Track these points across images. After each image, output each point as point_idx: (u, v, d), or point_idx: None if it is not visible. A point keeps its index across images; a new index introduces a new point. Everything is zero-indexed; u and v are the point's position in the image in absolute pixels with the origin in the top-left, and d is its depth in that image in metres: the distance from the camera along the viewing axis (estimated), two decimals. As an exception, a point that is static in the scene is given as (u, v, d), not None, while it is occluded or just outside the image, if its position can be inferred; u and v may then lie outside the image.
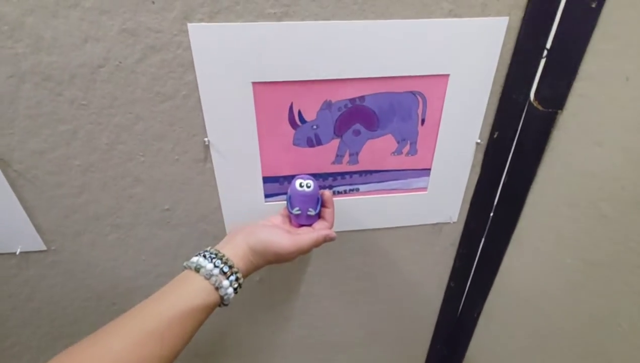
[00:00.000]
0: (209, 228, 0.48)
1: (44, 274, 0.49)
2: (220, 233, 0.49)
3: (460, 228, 0.54)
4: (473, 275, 0.58)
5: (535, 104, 0.43)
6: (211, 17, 0.35)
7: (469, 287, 0.60)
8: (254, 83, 0.38)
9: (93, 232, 0.46)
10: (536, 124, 0.44)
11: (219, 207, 0.47)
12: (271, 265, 0.41)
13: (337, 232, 0.43)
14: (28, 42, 0.34)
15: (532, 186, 0.48)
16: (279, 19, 0.36)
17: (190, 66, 0.37)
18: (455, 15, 0.38)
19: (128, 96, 0.38)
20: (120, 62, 0.36)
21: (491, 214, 0.52)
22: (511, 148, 0.47)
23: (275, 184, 0.46)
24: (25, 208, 0.43)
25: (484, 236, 0.54)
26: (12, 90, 0.36)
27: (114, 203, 0.45)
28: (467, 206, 0.51)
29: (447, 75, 0.41)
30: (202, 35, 0.35)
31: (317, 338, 0.65)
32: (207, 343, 0.62)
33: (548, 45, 0.41)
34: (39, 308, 0.52)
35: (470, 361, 0.67)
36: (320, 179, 0.46)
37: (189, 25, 0.35)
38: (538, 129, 0.44)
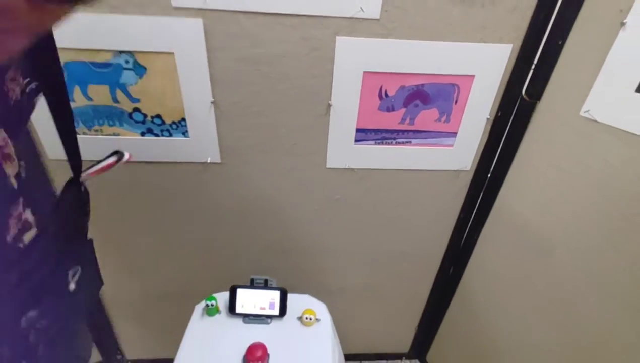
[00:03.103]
0: (316, 159, 0.78)
1: (217, 178, 0.79)
2: (322, 162, 0.78)
3: (471, 174, 0.83)
4: (477, 209, 0.88)
5: (525, 96, 0.71)
6: (349, 34, 0.64)
7: (473, 217, 0.89)
8: (364, 72, 0.67)
9: (249, 155, 0.76)
10: (524, 108, 0.72)
11: (325, 145, 0.76)
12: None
13: (389, 170, 0.73)
14: (250, 42, 0.63)
15: (519, 146, 0.76)
16: (384, 37, 0.64)
17: (331, 60, 0.66)
18: (482, 41, 0.66)
19: (294, 73, 0.67)
20: (295, 54, 0.65)
21: (492, 166, 0.81)
22: (508, 122, 0.75)
23: (362, 133, 0.75)
24: (217, 134, 0.73)
25: (487, 181, 0.83)
26: (232, 66, 0.66)
27: (265, 138, 0.75)
28: (478, 159, 0.81)
29: (474, 75, 0.70)
30: (343, 44, 0.64)
31: (356, 251, 0.95)
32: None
33: (535, 61, 0.68)
34: (207, 202, 0.83)
35: (468, 276, 0.97)
36: (389, 133, 0.75)
37: (337, 37, 0.63)
38: (525, 112, 0.73)
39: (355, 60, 0.67)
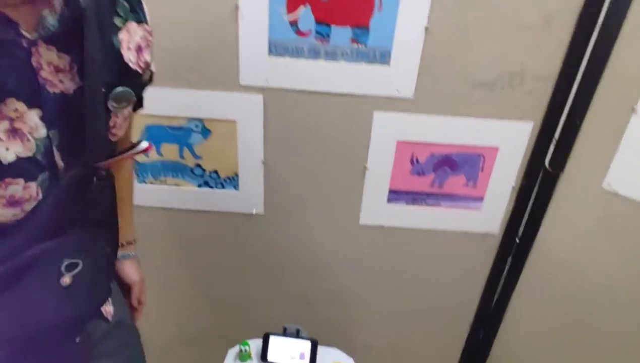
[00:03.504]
0: (351, 215, 0.84)
1: (259, 228, 0.87)
2: (356, 219, 0.85)
3: (499, 238, 0.86)
4: (507, 272, 0.89)
5: (548, 168, 0.77)
6: (385, 109, 0.74)
7: (503, 281, 0.90)
8: (397, 141, 0.76)
9: (290, 208, 0.84)
10: (549, 178, 0.77)
11: (360, 203, 0.83)
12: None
13: (419, 229, 0.78)
14: (300, 113, 0.74)
15: (546, 213, 0.80)
16: (416, 113, 0.74)
17: (369, 130, 0.76)
18: (504, 118, 0.74)
19: (335, 139, 0.77)
20: (338, 124, 0.75)
21: (520, 231, 0.84)
22: (534, 190, 0.80)
23: (394, 194, 0.82)
24: (264, 189, 0.82)
25: (515, 245, 0.85)
26: (283, 132, 0.76)
27: (305, 194, 0.83)
28: (505, 223, 0.84)
29: (498, 147, 0.77)
30: (380, 117, 0.74)
31: (385, 305, 0.97)
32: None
33: (556, 136, 0.75)
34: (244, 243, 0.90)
35: (500, 339, 0.95)
36: (420, 195, 0.82)
37: (375, 112, 0.74)
38: (549, 182, 0.78)
39: (389, 131, 0.76)
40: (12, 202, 0.40)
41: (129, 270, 0.66)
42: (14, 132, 0.40)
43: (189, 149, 0.80)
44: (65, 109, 0.43)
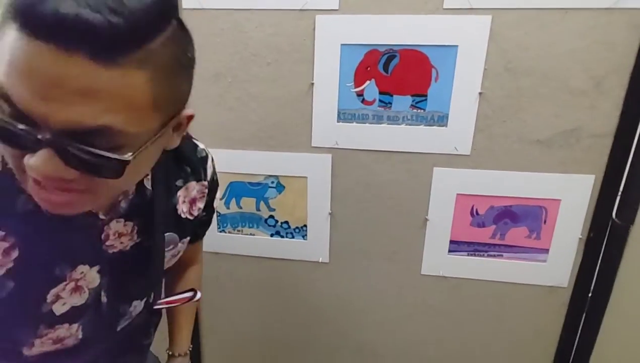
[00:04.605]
0: (412, 265, 0.88)
1: (324, 277, 0.93)
2: (417, 269, 0.88)
3: (569, 292, 0.83)
4: (581, 329, 0.84)
5: (616, 220, 0.76)
6: (444, 166, 0.80)
7: (578, 340, 0.85)
8: (457, 194, 0.81)
9: (353, 258, 0.90)
10: (618, 230, 0.76)
11: (421, 254, 0.86)
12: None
13: (481, 281, 0.79)
14: (365, 171, 0.83)
15: (619, 266, 0.77)
16: (474, 168, 0.79)
17: (429, 184, 0.81)
18: (564, 172, 0.77)
19: (398, 194, 0.84)
20: (400, 180, 0.82)
21: (592, 285, 0.81)
22: (603, 242, 0.79)
23: (455, 245, 0.84)
24: (330, 239, 0.89)
25: (588, 300, 0.82)
26: (349, 187, 0.85)
27: (368, 244, 0.88)
28: (575, 277, 0.82)
29: (560, 199, 0.78)
30: (439, 173, 0.80)
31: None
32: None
33: (621, 189, 0.75)
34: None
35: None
36: (481, 246, 0.84)
37: (434, 168, 0.80)
38: (619, 234, 0.76)
39: (449, 185, 0.81)
40: (56, 341, 0.47)
41: None
42: (76, 290, 0.46)
43: (265, 202, 0.90)
44: (120, 262, 0.49)
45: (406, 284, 0.90)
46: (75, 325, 0.48)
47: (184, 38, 0.37)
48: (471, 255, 0.85)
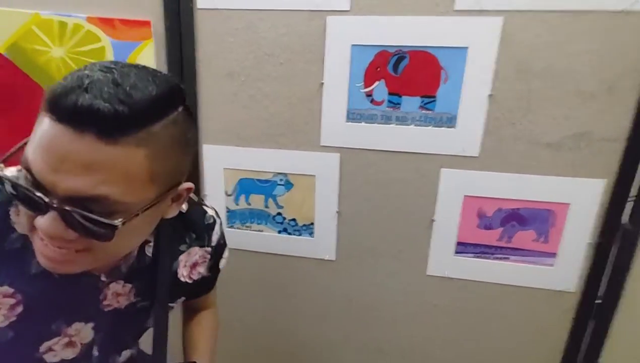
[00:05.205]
0: (418, 265, 0.88)
1: (329, 274, 0.94)
2: (423, 269, 0.88)
3: (578, 296, 0.83)
4: (591, 336, 0.83)
5: (628, 225, 0.75)
6: (451, 167, 0.80)
7: (587, 347, 0.84)
8: (464, 195, 0.81)
9: (359, 256, 0.91)
10: (629, 235, 0.75)
11: (427, 254, 0.87)
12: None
13: (488, 283, 0.79)
14: (373, 170, 0.83)
15: (629, 273, 0.76)
16: (482, 170, 0.79)
17: (436, 184, 0.82)
18: (574, 176, 0.76)
19: (405, 193, 0.84)
20: (408, 180, 0.83)
21: (600, 291, 0.80)
22: (612, 247, 0.78)
23: (462, 246, 0.85)
24: (336, 237, 0.90)
25: (596, 305, 0.81)
26: (357, 186, 0.86)
27: (375, 243, 0.89)
28: (584, 282, 0.81)
29: (569, 204, 0.78)
30: (447, 174, 0.81)
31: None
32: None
33: (633, 194, 0.74)
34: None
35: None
36: (488, 248, 0.84)
37: (442, 169, 0.80)
38: (630, 240, 0.75)
39: (456, 186, 0.82)
40: None
41: None
42: (68, 345, 0.52)
43: (273, 199, 0.92)
44: (114, 319, 0.54)
45: (412, 284, 0.91)
46: None
47: (185, 122, 0.43)
48: (478, 257, 0.85)
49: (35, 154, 0.36)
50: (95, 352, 0.54)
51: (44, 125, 0.36)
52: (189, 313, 0.72)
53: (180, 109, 0.42)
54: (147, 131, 0.37)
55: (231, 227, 0.96)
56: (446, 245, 0.86)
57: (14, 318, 0.47)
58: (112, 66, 0.38)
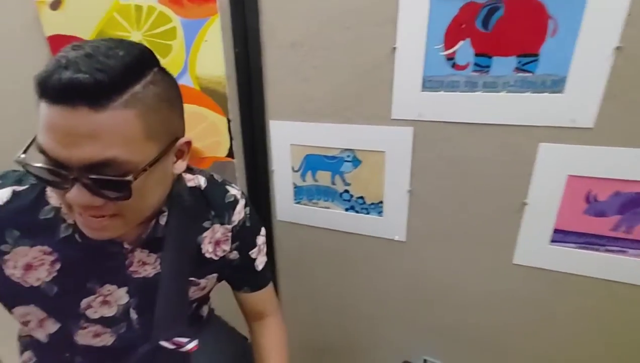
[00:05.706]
0: (503, 253, 0.78)
1: (399, 256, 0.89)
2: (508, 258, 0.78)
3: None
4: None
5: None
6: (554, 141, 0.66)
7: None
8: (569, 175, 0.67)
9: (432, 239, 0.83)
10: None
11: (514, 241, 0.76)
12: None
13: (595, 279, 0.66)
14: (451, 145, 0.73)
15: None
16: (595, 145, 0.64)
17: (531, 163, 0.69)
18: None
19: (489, 172, 0.73)
20: (493, 157, 0.71)
21: None
22: None
23: (561, 235, 0.72)
24: (407, 217, 0.84)
25: None
26: (431, 163, 0.77)
27: (450, 225, 0.80)
28: None
29: None
30: (546, 150, 0.67)
31: None
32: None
33: None
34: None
35: None
36: (597, 238, 0.69)
37: (540, 144, 0.67)
38: None
39: (559, 164, 0.67)
40: (95, 335, 0.60)
41: None
42: (104, 303, 0.58)
43: (340, 176, 0.88)
44: (145, 287, 0.59)
45: (494, 272, 0.81)
46: (108, 329, 0.60)
47: (164, 80, 0.47)
48: (582, 248, 0.71)
49: (45, 136, 0.41)
50: (134, 315, 0.60)
51: (43, 110, 0.41)
52: (250, 321, 0.75)
53: (155, 69, 0.46)
54: (130, 93, 0.42)
55: (298, 203, 0.96)
56: (540, 232, 0.73)
57: (55, 274, 0.54)
58: (81, 44, 0.42)
